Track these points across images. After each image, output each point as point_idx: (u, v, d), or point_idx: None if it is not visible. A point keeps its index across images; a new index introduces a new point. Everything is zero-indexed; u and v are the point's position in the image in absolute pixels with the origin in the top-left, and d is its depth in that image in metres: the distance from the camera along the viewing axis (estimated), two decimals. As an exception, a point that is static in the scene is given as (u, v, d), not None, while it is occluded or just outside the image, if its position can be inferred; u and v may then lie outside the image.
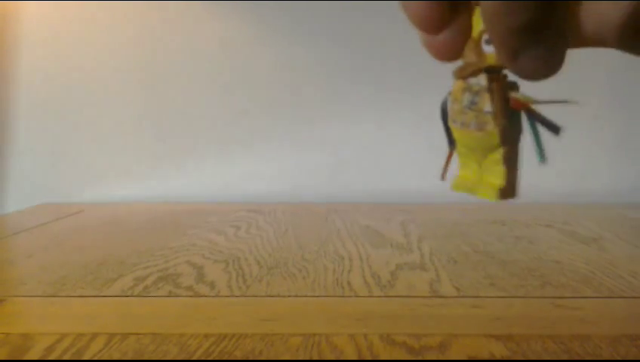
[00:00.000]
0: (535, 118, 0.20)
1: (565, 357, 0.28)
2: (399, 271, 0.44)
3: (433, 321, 0.33)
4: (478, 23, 0.19)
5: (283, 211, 0.72)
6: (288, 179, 0.82)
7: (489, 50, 0.19)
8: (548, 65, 0.18)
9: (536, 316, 0.34)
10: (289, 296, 0.38)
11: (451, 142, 0.21)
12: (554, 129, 0.20)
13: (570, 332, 0.31)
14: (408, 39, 0.78)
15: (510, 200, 0.21)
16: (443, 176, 0.23)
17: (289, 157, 0.82)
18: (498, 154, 0.20)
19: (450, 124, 0.21)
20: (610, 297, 0.37)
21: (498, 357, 0.28)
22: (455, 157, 0.22)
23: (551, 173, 0.77)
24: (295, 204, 0.79)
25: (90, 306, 0.37)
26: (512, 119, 0.20)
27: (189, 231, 0.60)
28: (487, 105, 0.19)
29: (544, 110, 0.20)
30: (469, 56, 0.19)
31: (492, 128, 0.19)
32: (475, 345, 0.29)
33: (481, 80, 0.20)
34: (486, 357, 0.28)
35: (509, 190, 0.20)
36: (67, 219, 0.68)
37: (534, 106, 0.19)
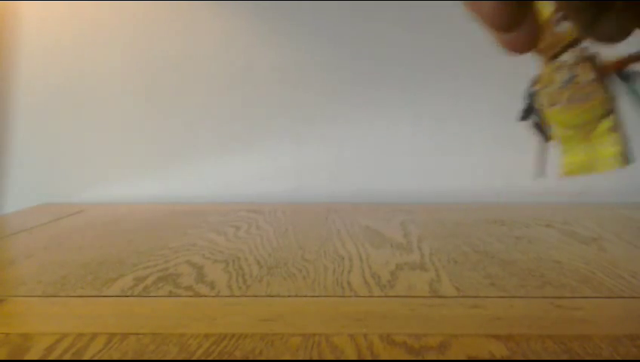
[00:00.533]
0: (629, 78, 0.19)
1: (565, 357, 0.28)
2: (399, 271, 0.44)
3: (433, 321, 0.33)
4: (544, 8, 0.19)
5: (283, 211, 0.72)
6: (288, 179, 0.82)
7: (562, 29, 0.19)
8: (625, 26, 0.18)
9: (536, 316, 0.34)
10: (289, 296, 0.38)
11: (545, 134, 0.21)
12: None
13: (570, 332, 0.31)
14: (409, 39, 0.78)
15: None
16: (542, 173, 0.22)
17: (289, 158, 0.82)
18: (608, 122, 0.20)
19: (548, 110, 0.20)
20: (610, 297, 0.37)
21: (498, 357, 0.28)
22: (551, 148, 0.22)
23: (551, 173, 0.77)
24: (295, 204, 0.79)
25: (90, 306, 0.36)
26: (609, 85, 0.20)
27: (189, 231, 0.60)
28: (590, 74, 0.19)
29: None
30: (546, 40, 0.19)
31: (600, 95, 0.19)
32: (475, 345, 0.29)
33: (569, 56, 0.19)
34: (486, 357, 0.28)
35: (627, 155, 0.20)
36: (67, 219, 0.68)
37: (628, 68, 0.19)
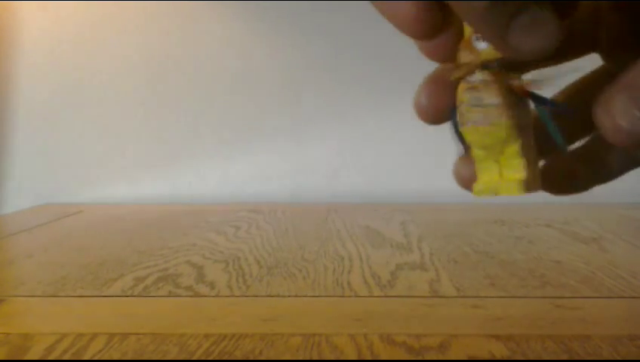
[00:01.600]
0: (541, 102, 0.19)
1: (565, 357, 0.28)
2: (399, 271, 0.44)
3: (433, 321, 0.33)
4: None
5: (283, 211, 0.72)
6: (288, 179, 0.82)
7: (482, 46, 0.19)
8: (541, 34, 0.17)
9: (536, 316, 0.34)
10: (289, 296, 0.38)
11: (465, 150, 0.21)
12: (563, 110, 0.19)
13: (570, 332, 0.31)
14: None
15: (532, 194, 0.21)
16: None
17: (289, 158, 0.82)
18: (515, 147, 0.19)
19: (461, 129, 0.20)
20: (610, 297, 0.37)
21: (498, 357, 0.28)
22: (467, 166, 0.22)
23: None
24: (295, 203, 0.79)
25: (90, 306, 0.36)
26: (520, 108, 0.19)
27: (189, 231, 0.60)
28: (492, 98, 0.19)
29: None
30: (463, 56, 0.19)
31: (504, 120, 0.19)
32: (475, 345, 0.29)
33: (482, 76, 0.19)
34: (486, 357, 0.28)
35: (532, 182, 0.20)
36: (67, 219, 0.68)
37: (537, 91, 0.19)
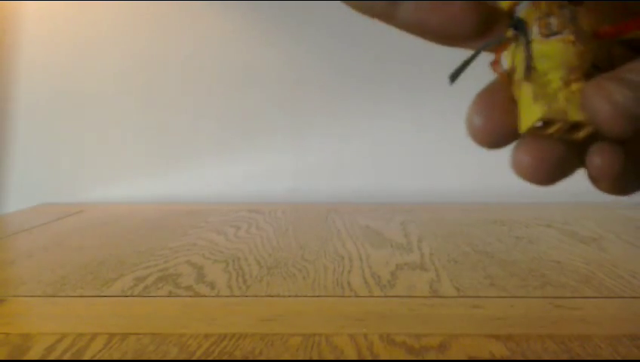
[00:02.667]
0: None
1: (565, 357, 0.28)
2: (399, 271, 0.44)
3: (433, 321, 0.33)
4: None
5: (283, 211, 0.72)
6: (288, 179, 0.82)
7: None
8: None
9: (536, 316, 0.34)
10: (289, 296, 0.38)
11: (529, 67, 0.18)
12: None
13: (570, 332, 0.31)
14: (409, 39, 0.78)
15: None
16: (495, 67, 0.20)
17: (289, 158, 0.82)
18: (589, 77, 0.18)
19: (541, 39, 0.18)
20: (610, 297, 0.37)
21: (498, 357, 0.28)
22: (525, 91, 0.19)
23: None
24: (295, 204, 0.79)
25: (90, 306, 0.36)
26: None
27: (189, 231, 0.60)
28: (585, 25, 0.18)
29: None
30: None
31: (592, 45, 0.18)
32: (475, 345, 0.29)
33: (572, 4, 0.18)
34: (486, 357, 0.28)
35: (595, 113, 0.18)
36: (67, 219, 0.68)
37: None
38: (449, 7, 0.18)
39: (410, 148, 0.81)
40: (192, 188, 0.83)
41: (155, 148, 0.83)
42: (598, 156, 0.18)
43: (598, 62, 0.18)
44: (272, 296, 0.38)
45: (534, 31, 0.18)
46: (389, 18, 0.18)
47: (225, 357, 0.28)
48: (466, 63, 0.19)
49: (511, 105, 0.19)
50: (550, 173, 0.18)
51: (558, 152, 0.18)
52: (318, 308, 0.36)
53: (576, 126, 0.18)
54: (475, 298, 0.37)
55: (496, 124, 0.19)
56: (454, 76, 0.20)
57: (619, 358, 0.28)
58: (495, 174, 0.79)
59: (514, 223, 0.62)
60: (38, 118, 0.83)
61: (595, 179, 0.19)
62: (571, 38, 0.18)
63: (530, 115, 0.18)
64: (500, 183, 0.79)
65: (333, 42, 0.80)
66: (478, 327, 0.32)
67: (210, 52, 0.81)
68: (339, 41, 0.80)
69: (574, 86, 0.18)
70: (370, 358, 0.28)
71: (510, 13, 0.19)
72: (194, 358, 0.28)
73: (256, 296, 0.38)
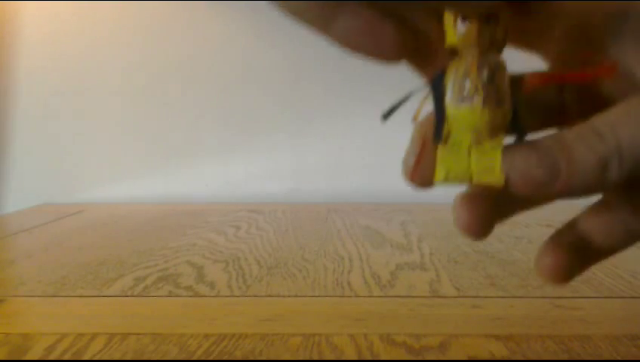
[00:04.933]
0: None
1: (565, 357, 0.28)
2: (399, 271, 0.44)
3: (433, 321, 0.33)
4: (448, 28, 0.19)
5: (283, 211, 0.72)
6: (288, 179, 0.82)
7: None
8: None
9: (536, 316, 0.34)
10: (289, 296, 0.38)
11: (439, 131, 0.20)
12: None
13: (570, 332, 0.31)
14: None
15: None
16: (413, 176, 0.21)
17: (289, 157, 0.82)
18: (501, 137, 0.19)
19: (453, 104, 0.19)
20: (610, 297, 0.37)
21: (498, 357, 0.28)
22: (431, 154, 0.20)
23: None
24: (295, 203, 0.79)
25: (90, 306, 0.37)
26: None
27: (189, 231, 0.60)
28: (506, 81, 0.18)
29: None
30: (466, 36, 0.19)
31: (507, 106, 0.18)
32: (475, 345, 0.29)
33: (498, 58, 0.19)
34: (486, 357, 0.28)
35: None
36: (67, 219, 0.68)
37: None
38: (379, 33, 0.18)
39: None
40: (192, 188, 0.83)
41: (155, 148, 0.83)
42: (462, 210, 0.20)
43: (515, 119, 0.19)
44: (272, 296, 0.38)
45: (448, 94, 0.19)
46: (324, 28, 0.18)
47: (225, 357, 0.28)
48: (398, 104, 0.21)
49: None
50: (484, 226, 0.21)
51: (485, 210, 0.21)
52: (318, 308, 0.36)
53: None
54: (475, 298, 0.37)
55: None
56: (387, 115, 0.22)
57: (619, 358, 0.28)
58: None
59: (514, 223, 0.62)
60: (38, 118, 0.83)
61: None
62: (479, 105, 0.18)
63: (436, 174, 0.20)
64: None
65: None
66: (478, 327, 0.32)
67: (210, 52, 0.81)
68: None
69: (482, 148, 0.19)
70: (370, 358, 0.28)
71: (454, 49, 0.19)
72: (194, 358, 0.28)
73: (256, 296, 0.38)
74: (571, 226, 0.23)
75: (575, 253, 0.22)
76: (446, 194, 0.82)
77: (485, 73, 0.18)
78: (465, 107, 0.18)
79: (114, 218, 0.68)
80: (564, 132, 0.18)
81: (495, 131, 0.19)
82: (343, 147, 0.82)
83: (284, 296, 0.38)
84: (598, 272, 0.43)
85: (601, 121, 0.17)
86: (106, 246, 0.53)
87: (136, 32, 0.81)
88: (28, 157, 0.83)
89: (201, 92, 0.82)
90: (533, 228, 0.59)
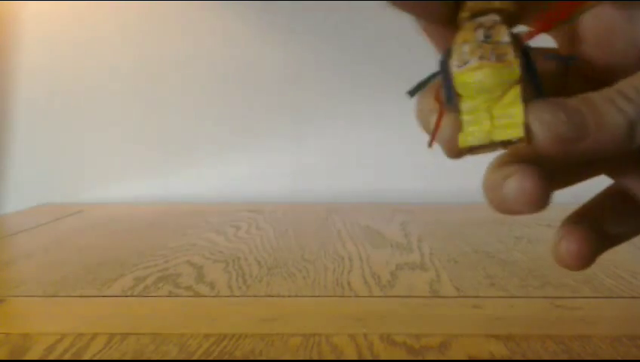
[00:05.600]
0: (549, 56, 0.19)
1: (565, 357, 0.28)
2: (399, 271, 0.44)
3: (433, 321, 0.33)
4: None
5: (283, 211, 0.72)
6: (288, 179, 0.82)
7: None
8: None
9: (536, 316, 0.34)
10: (289, 296, 0.38)
11: (450, 97, 0.19)
12: (565, 60, 0.19)
13: (570, 332, 0.31)
14: (409, 39, 0.78)
15: None
16: (431, 143, 0.20)
17: (289, 158, 0.82)
18: (517, 89, 0.18)
19: (459, 71, 0.19)
20: (610, 297, 0.37)
21: (498, 357, 0.28)
22: (451, 120, 0.20)
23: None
24: (295, 204, 0.79)
25: (90, 306, 0.36)
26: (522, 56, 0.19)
27: (189, 231, 0.60)
28: (503, 36, 0.18)
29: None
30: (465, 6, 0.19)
31: (513, 58, 0.18)
32: (475, 345, 0.29)
33: (493, 17, 0.19)
34: (486, 357, 0.28)
35: (528, 133, 0.18)
36: (67, 219, 0.68)
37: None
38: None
39: (411, 148, 0.81)
40: (192, 188, 0.83)
41: (155, 148, 0.83)
42: (515, 181, 0.19)
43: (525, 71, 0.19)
44: (272, 296, 0.38)
45: (452, 63, 0.19)
46: None
47: (225, 357, 0.28)
48: (424, 82, 0.21)
49: None
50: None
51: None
52: (318, 308, 0.36)
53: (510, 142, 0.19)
54: (475, 298, 0.37)
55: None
56: (413, 93, 0.22)
57: (619, 358, 0.28)
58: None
59: (514, 223, 0.62)
60: (38, 118, 0.83)
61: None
62: (477, 64, 0.18)
63: (460, 141, 0.19)
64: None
65: (333, 42, 0.80)
66: (478, 327, 0.32)
67: (210, 52, 0.81)
68: (339, 41, 0.80)
69: (500, 105, 0.19)
70: (370, 358, 0.28)
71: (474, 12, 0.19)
72: (194, 358, 0.28)
73: (256, 296, 0.38)
74: (585, 211, 0.23)
75: (594, 236, 0.22)
76: (446, 194, 0.82)
77: (481, 32, 0.19)
78: (467, 69, 0.19)
79: (114, 218, 0.68)
80: (589, 94, 0.18)
81: (506, 87, 0.18)
82: (343, 147, 0.82)
83: (284, 296, 0.38)
84: (598, 272, 0.43)
85: (628, 84, 0.18)
86: (106, 247, 0.53)
87: (136, 31, 0.81)
88: (28, 157, 0.83)
89: (201, 92, 0.82)
90: (533, 228, 0.59)
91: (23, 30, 0.81)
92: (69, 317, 0.34)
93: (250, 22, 0.81)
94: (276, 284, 0.41)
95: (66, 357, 0.28)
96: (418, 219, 0.65)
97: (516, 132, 0.18)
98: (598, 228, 0.22)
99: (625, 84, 0.18)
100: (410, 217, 0.67)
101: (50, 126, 0.83)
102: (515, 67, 0.18)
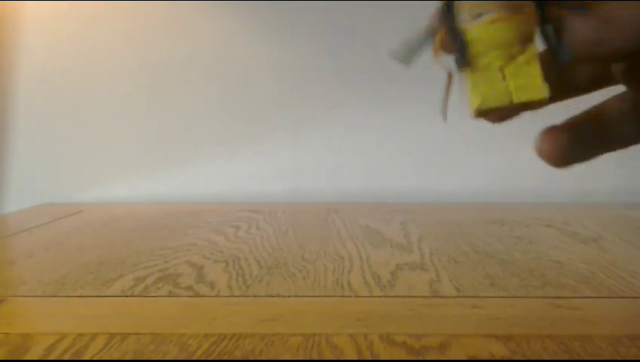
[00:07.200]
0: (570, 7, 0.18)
1: (565, 357, 0.28)
2: (399, 271, 0.44)
3: (433, 321, 0.33)
4: None
5: (283, 211, 0.72)
6: (288, 179, 0.82)
7: None
8: None
9: (536, 316, 0.34)
10: (289, 296, 0.38)
11: (462, 55, 0.18)
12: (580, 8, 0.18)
13: (570, 332, 0.31)
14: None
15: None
16: (445, 113, 0.19)
17: (289, 157, 0.82)
18: (533, 49, 0.17)
19: (469, 25, 0.17)
20: (610, 297, 0.37)
21: (498, 357, 0.28)
22: (460, 83, 0.19)
23: (552, 172, 0.77)
24: (295, 204, 0.79)
25: (90, 306, 0.37)
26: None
27: (189, 231, 0.60)
28: None
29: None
30: None
31: (531, 11, 0.17)
32: (475, 345, 0.29)
33: None
34: (486, 357, 0.28)
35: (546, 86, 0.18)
36: (67, 219, 0.68)
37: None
38: None
39: (411, 148, 0.81)
40: (192, 188, 0.83)
41: (155, 148, 0.83)
42: (543, 142, 0.21)
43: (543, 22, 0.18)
44: (272, 296, 0.38)
45: (460, 18, 0.18)
46: None
47: (225, 357, 0.28)
48: (416, 45, 0.19)
49: None
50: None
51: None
52: (318, 308, 0.36)
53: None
54: (475, 298, 0.37)
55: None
56: (407, 58, 0.20)
57: (619, 358, 0.28)
58: (495, 174, 0.79)
59: (514, 223, 0.62)
60: (38, 118, 0.83)
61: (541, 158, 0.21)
62: (490, 17, 0.17)
63: (470, 104, 0.18)
64: (499, 183, 0.79)
65: (333, 42, 0.80)
66: (478, 327, 0.32)
67: (210, 52, 0.81)
68: (339, 40, 0.80)
69: (516, 63, 0.18)
70: (370, 358, 0.28)
71: None
72: (194, 358, 0.28)
73: (256, 296, 0.38)
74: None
75: (572, 137, 0.21)
76: (446, 194, 0.82)
77: None
78: (480, 23, 0.17)
79: (114, 218, 0.68)
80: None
81: (523, 41, 0.17)
82: (343, 147, 0.82)
83: (284, 296, 0.38)
84: (598, 272, 0.43)
85: None
86: (106, 247, 0.53)
87: (137, 32, 0.81)
88: (28, 157, 0.83)
89: (201, 92, 0.82)
90: (533, 228, 0.59)
91: (23, 30, 0.81)
92: (69, 317, 0.34)
93: (251, 22, 0.81)
94: (276, 284, 0.41)
95: (66, 357, 0.28)
96: (418, 219, 0.65)
97: (538, 93, 0.17)
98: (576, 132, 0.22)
99: None
100: (410, 217, 0.67)
101: (50, 126, 0.83)
102: (532, 20, 0.17)
